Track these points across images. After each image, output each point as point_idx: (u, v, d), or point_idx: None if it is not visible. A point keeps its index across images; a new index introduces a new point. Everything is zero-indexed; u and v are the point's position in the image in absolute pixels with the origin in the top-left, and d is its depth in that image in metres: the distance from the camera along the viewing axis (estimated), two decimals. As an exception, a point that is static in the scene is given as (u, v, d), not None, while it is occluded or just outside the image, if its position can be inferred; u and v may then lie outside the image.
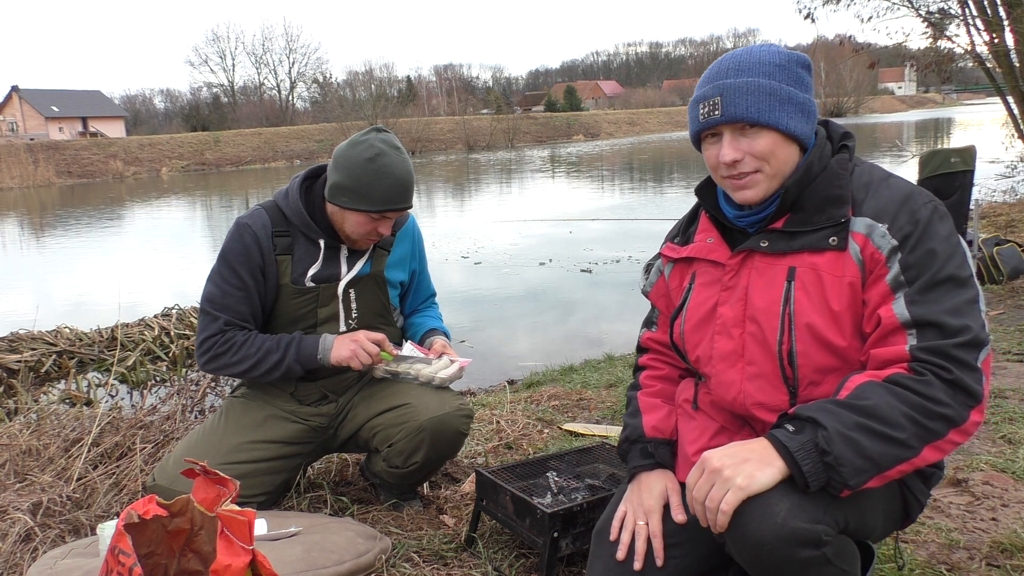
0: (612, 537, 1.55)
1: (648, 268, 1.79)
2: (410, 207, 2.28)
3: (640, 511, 1.55)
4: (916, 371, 1.28)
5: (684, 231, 1.68)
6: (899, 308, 1.32)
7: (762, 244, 1.46)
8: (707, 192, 1.60)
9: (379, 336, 2.30)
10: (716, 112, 1.42)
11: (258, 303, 2.30)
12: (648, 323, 1.82)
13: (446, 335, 2.53)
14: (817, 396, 1.42)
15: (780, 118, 1.40)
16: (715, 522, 1.26)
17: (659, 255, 1.74)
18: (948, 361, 1.27)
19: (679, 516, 1.52)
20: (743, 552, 1.28)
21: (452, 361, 2.36)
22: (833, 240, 1.39)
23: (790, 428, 1.27)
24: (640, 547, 1.51)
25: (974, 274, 1.37)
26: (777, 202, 1.46)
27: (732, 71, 1.43)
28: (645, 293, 1.79)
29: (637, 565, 1.49)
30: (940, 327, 1.29)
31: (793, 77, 1.42)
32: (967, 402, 1.27)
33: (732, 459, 1.26)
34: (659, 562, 1.49)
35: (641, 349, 1.84)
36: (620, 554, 1.52)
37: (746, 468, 1.24)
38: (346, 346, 2.25)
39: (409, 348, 2.40)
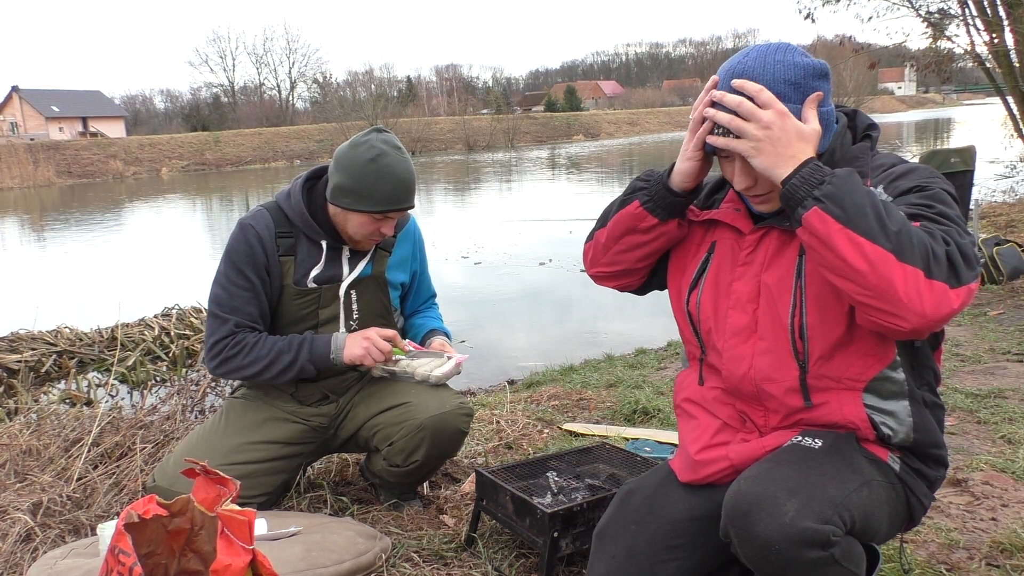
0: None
1: None
2: (412, 207, 2.28)
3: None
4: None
5: (709, 195, 1.66)
6: None
7: (783, 223, 1.46)
8: None
9: (390, 332, 2.31)
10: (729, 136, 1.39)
11: (266, 303, 2.29)
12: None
13: (447, 335, 2.54)
14: (828, 372, 1.43)
15: None
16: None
17: None
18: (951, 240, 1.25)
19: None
20: (749, 551, 1.28)
21: (448, 358, 2.36)
22: None
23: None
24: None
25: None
26: None
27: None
28: None
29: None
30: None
31: (809, 92, 1.39)
32: (949, 274, 1.22)
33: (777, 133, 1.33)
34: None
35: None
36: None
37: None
38: (359, 344, 2.26)
39: (409, 348, 2.40)
